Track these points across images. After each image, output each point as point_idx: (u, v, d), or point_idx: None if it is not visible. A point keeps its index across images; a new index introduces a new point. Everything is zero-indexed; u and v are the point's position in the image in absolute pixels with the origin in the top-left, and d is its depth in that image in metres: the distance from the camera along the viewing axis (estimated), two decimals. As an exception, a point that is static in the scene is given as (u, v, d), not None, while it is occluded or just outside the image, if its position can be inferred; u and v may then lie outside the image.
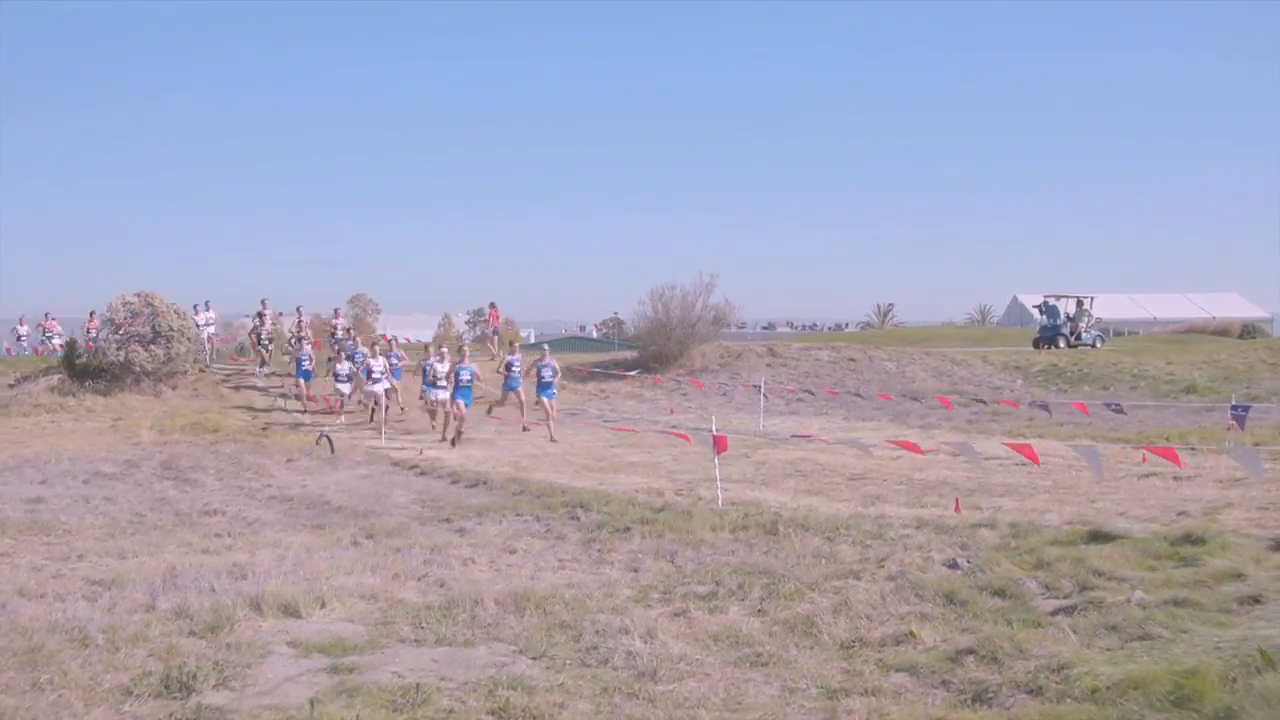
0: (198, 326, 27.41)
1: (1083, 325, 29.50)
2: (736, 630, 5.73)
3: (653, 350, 26.08)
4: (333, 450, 16.62)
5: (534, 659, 5.24)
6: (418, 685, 4.60)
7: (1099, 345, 29.35)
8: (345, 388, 22.18)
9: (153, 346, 23.28)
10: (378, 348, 22.55)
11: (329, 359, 24.01)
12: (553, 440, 17.98)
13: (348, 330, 26.95)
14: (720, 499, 10.94)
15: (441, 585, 7.17)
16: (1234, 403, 13.15)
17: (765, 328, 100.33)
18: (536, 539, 9.22)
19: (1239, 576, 6.12)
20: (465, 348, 20.78)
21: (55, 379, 23.11)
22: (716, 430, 11.34)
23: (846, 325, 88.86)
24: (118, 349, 22.95)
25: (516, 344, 22.98)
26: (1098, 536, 7.64)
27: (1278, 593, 5.65)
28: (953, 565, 7.14)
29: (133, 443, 19.20)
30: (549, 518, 10.41)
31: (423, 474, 15.08)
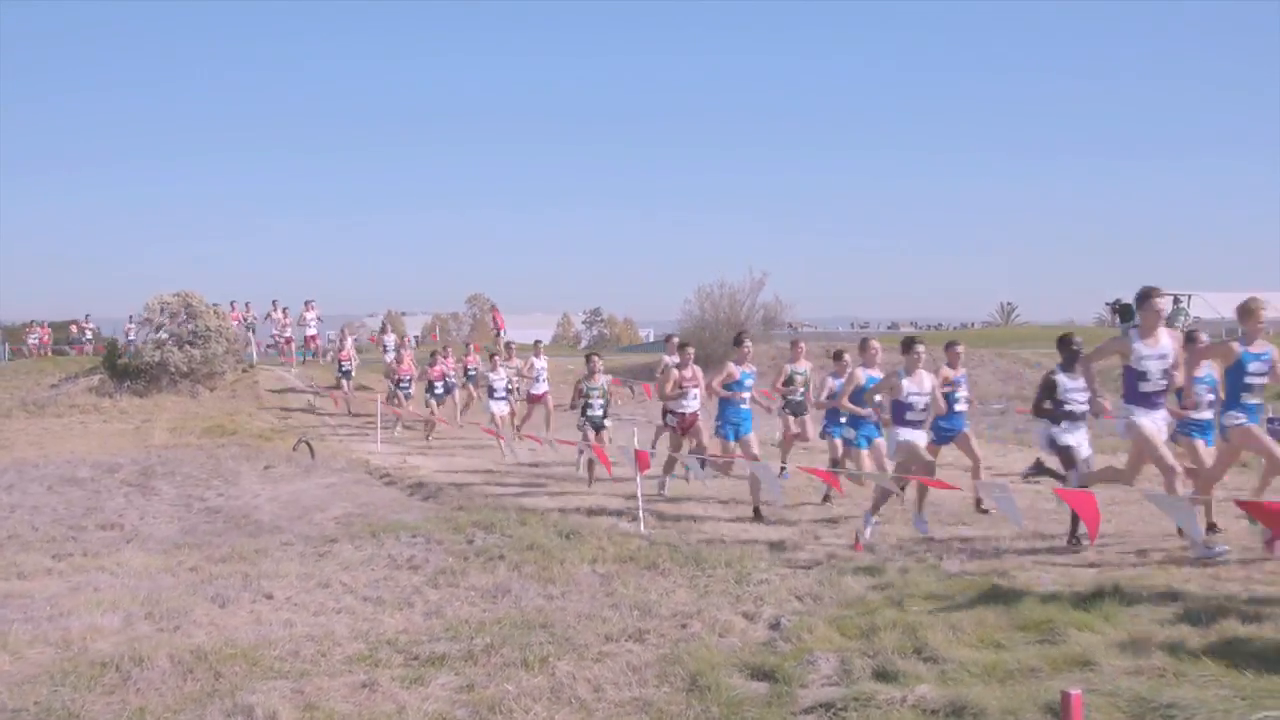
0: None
1: (1178, 325, 26.54)
2: (397, 715, 4.53)
3: (698, 352, 24.70)
4: (313, 456, 15.99)
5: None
6: None
7: (1197, 346, 26.33)
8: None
9: (189, 347, 23.29)
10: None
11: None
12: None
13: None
14: (643, 522, 9.72)
15: (177, 629, 6.23)
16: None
17: (889, 327, 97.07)
18: (380, 569, 8.25)
19: (1086, 665, 4.58)
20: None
21: (95, 379, 23.35)
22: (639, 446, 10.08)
23: (973, 324, 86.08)
24: (154, 349, 23.03)
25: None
26: (988, 590, 6.12)
27: (1108, 694, 4.11)
28: (775, 625, 5.76)
29: (144, 445, 19.09)
30: (439, 541, 9.40)
31: (391, 484, 14.31)
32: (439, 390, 19.42)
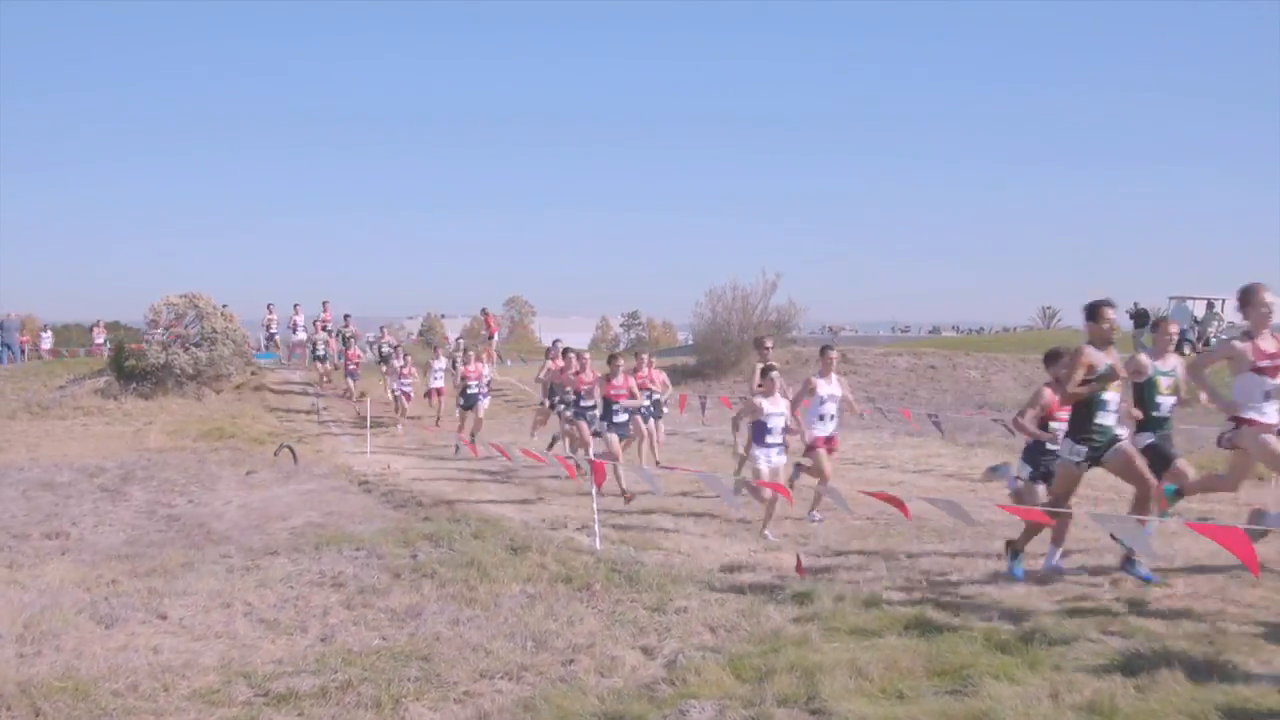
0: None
1: (1211, 330, 25.43)
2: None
3: (710, 357, 24.03)
4: (296, 461, 15.63)
5: None
6: None
7: (1230, 351, 25.17)
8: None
9: (195, 349, 23.11)
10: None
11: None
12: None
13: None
14: (598, 538, 9.17)
15: (38, 654, 5.81)
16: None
17: (930, 331, 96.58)
18: (301, 586, 7.85)
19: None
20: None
21: (102, 381, 23.26)
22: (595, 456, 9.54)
23: (1015, 328, 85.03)
24: (160, 351, 22.87)
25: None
26: (918, 625, 5.49)
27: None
28: (671, 663, 5.18)
29: (138, 448, 18.87)
30: (380, 555, 8.98)
31: (368, 491, 13.87)
32: (621, 418, 12.55)
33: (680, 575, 7.31)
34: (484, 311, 28.65)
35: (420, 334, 68.62)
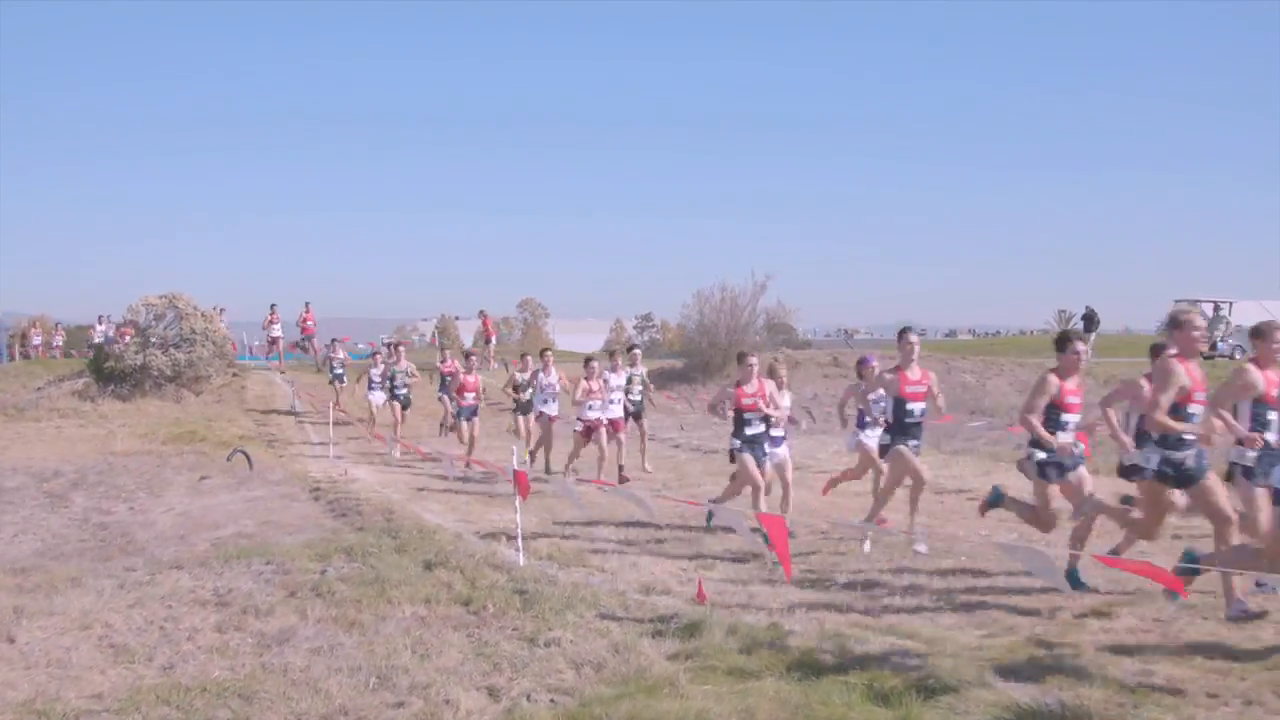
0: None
1: (1218, 334, 24.60)
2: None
3: (697, 360, 23.37)
4: (251, 467, 15.13)
5: None
6: None
7: (1238, 356, 24.45)
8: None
9: (173, 350, 22.74)
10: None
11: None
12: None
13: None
14: (522, 554, 8.60)
15: None
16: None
17: (947, 335, 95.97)
18: (181, 605, 7.38)
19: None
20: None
21: (80, 383, 22.93)
22: (518, 465, 8.93)
23: (1031, 332, 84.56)
24: (137, 352, 22.51)
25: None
26: (804, 666, 4.87)
27: None
28: (511, 709, 4.60)
29: (104, 451, 18.46)
30: (288, 570, 8.48)
31: (316, 499, 13.33)
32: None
33: (580, 599, 6.72)
34: (482, 314, 28.05)
35: (434, 336, 68.17)
